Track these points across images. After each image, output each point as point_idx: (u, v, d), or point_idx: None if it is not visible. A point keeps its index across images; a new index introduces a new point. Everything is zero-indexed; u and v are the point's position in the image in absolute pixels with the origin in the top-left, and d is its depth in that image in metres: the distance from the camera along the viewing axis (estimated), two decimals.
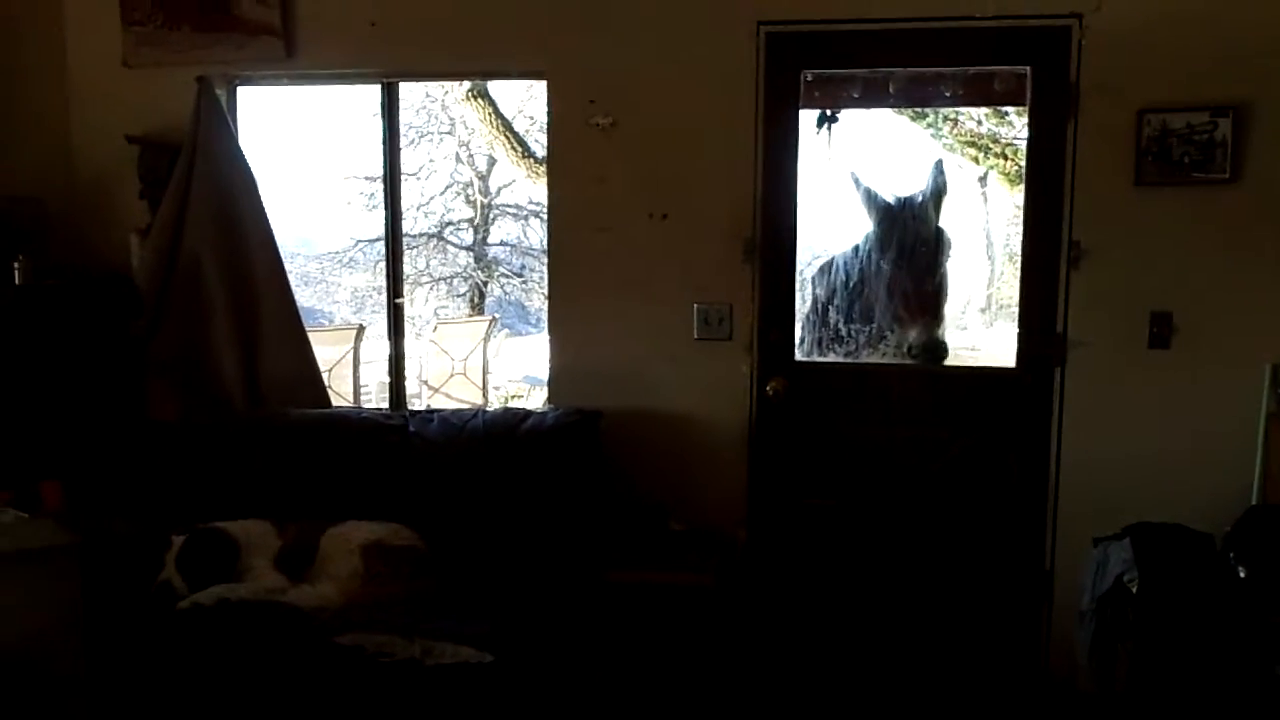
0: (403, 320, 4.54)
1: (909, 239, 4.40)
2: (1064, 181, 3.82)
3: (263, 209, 4.25)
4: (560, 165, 4.17)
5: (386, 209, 4.47)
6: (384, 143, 4.39)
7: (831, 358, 4.48)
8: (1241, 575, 3.25)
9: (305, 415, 4.11)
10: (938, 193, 4.42)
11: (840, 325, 4.51)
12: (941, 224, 4.44)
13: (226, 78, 4.30)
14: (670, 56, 4.00)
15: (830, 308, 4.59)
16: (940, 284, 4.41)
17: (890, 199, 4.48)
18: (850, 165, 4.54)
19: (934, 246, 4.41)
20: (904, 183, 4.55)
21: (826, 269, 4.77)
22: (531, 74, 4.33)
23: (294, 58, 4.20)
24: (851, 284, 4.52)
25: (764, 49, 3.95)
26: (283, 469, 3.88)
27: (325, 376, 6.98)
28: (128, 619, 3.39)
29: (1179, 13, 3.71)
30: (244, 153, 4.24)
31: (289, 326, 4.29)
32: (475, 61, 4.28)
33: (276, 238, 4.29)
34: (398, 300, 4.50)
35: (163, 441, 4.07)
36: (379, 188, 4.53)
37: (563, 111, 4.11)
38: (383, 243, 4.57)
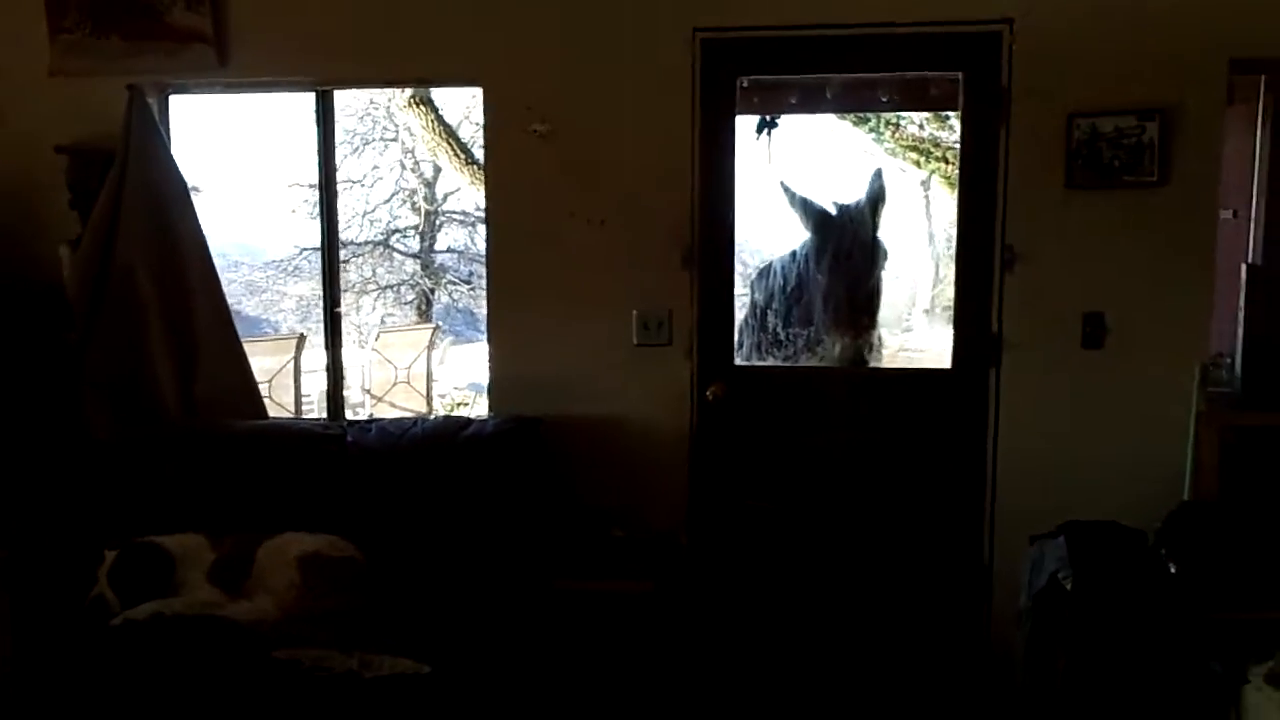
0: (340, 329, 4.49)
1: (844, 248, 4.42)
2: (996, 185, 3.86)
3: (196, 219, 4.19)
4: (498, 172, 4.15)
5: (322, 217, 4.43)
6: (319, 150, 4.34)
7: (771, 362, 4.50)
8: (1173, 570, 3.30)
9: (241, 426, 4.05)
10: (875, 200, 4.45)
11: (779, 329, 4.54)
12: (879, 233, 4.47)
13: (158, 86, 4.23)
14: (607, 64, 4.00)
15: (769, 312, 4.61)
16: (873, 293, 4.43)
17: (828, 207, 4.50)
18: (783, 174, 4.56)
19: (869, 256, 4.44)
20: (845, 189, 4.58)
21: (765, 273, 4.80)
22: (467, 81, 4.31)
23: (226, 66, 4.13)
24: (789, 289, 4.54)
25: (700, 56, 3.95)
26: (219, 481, 3.82)
27: (267, 387, 6.95)
28: (60, 635, 3.32)
29: (1107, 17, 3.76)
30: (176, 162, 4.18)
31: (224, 338, 4.23)
32: (410, 68, 4.24)
33: (211, 248, 4.23)
34: (335, 309, 4.45)
35: (97, 455, 4.00)
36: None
37: (499, 118, 4.09)
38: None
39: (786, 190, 4.49)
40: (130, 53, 4.13)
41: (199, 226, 4.20)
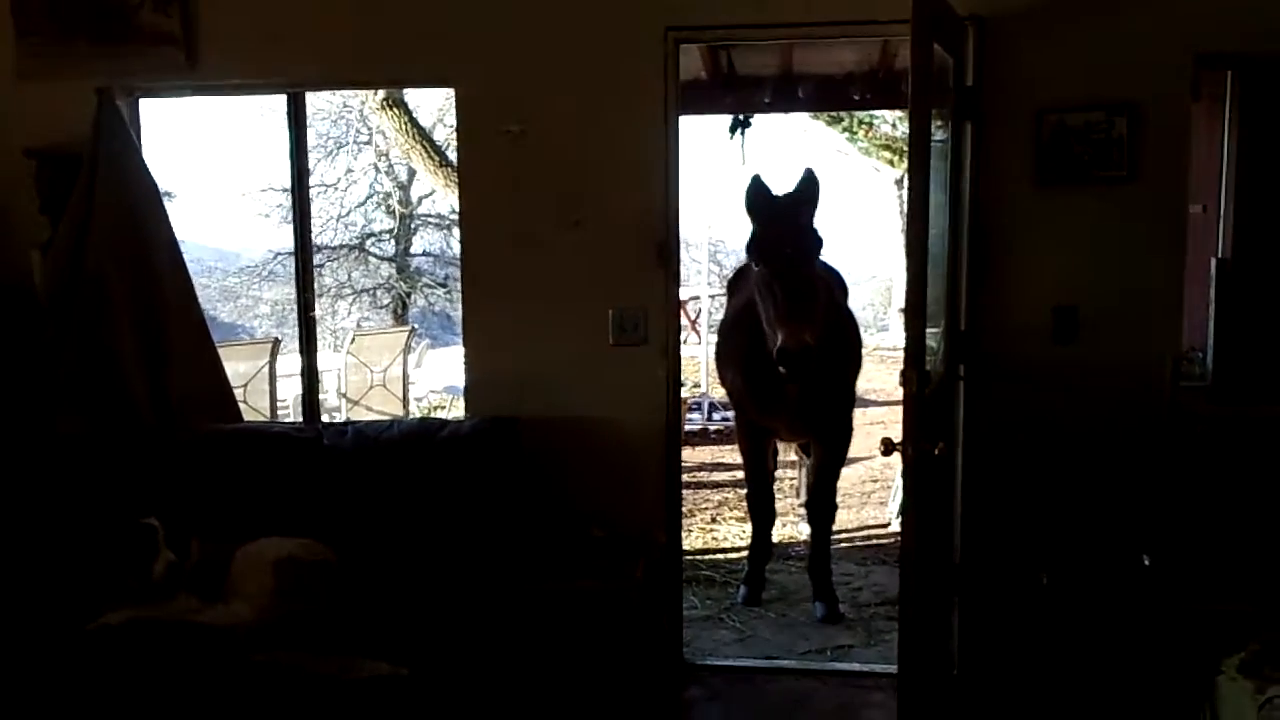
0: (315, 333, 4.46)
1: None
2: (964, 181, 3.86)
3: (168, 223, 4.18)
4: (471, 174, 4.14)
5: (295, 221, 4.40)
6: (291, 154, 4.31)
7: None
8: (1146, 563, 3.33)
9: (215, 430, 4.03)
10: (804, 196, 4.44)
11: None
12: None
13: (127, 89, 4.19)
14: (579, 63, 3.99)
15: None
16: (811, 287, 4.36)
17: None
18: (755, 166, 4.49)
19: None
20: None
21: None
22: (439, 81, 4.29)
23: (196, 68, 4.10)
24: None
25: (672, 54, 3.95)
26: (193, 484, 3.79)
27: (242, 392, 6.91)
28: (34, 640, 3.29)
29: (1075, 11, 3.78)
30: (147, 166, 4.15)
31: (198, 342, 4.22)
32: (382, 69, 4.22)
33: (185, 253, 4.21)
34: (310, 314, 4.43)
35: (70, 456, 3.96)
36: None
37: (471, 119, 4.08)
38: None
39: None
40: (98, 55, 4.09)
41: (171, 230, 4.18)
